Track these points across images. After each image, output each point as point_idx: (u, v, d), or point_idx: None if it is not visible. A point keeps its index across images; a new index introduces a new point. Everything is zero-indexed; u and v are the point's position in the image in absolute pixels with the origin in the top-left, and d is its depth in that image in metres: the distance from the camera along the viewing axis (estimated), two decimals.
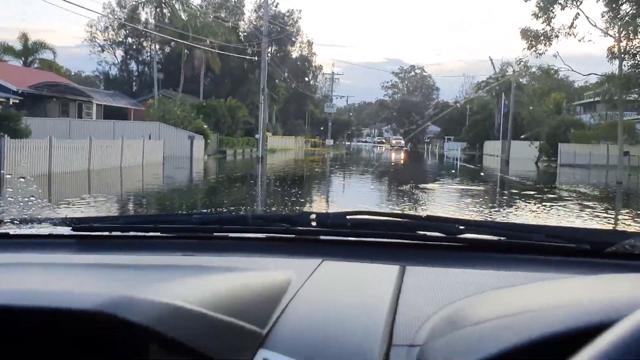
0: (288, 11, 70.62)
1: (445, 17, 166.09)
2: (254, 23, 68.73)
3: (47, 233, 1.72)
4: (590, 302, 0.86)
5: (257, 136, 48.93)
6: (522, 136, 50.12)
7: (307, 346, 0.92)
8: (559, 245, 1.50)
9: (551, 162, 43.50)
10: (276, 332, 0.96)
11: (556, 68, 29.17)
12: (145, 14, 42.21)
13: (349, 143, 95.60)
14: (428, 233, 1.58)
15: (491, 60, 64.27)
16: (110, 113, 45.09)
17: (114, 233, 1.73)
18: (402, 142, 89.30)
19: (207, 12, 43.89)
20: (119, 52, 65.46)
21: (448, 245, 1.55)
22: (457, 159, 53.65)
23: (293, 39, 72.22)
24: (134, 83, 65.27)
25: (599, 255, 1.45)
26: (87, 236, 1.70)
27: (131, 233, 1.72)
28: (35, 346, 0.96)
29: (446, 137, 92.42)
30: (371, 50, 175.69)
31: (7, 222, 1.78)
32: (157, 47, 53.06)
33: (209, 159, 35.13)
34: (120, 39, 64.75)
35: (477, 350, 0.78)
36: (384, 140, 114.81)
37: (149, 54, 67.24)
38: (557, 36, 25.90)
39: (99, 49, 64.39)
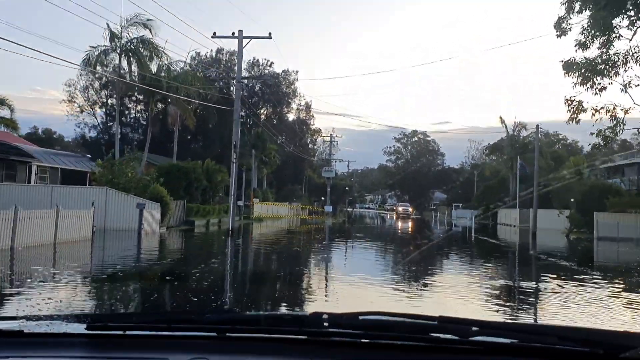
0: (283, 71, 65.02)
1: (447, 83, 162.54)
2: (246, 84, 63.01)
3: (61, 332, 1.67)
4: None
5: (239, 203, 41.85)
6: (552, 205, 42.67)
7: None
8: (571, 349, 1.45)
9: (584, 234, 35.85)
10: None
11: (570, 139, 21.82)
12: (112, 66, 35.65)
13: (350, 210, 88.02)
14: (442, 335, 1.54)
15: (502, 120, 57.35)
16: (70, 177, 38.49)
17: (128, 332, 1.68)
18: (410, 209, 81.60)
19: (187, 68, 37.56)
20: (100, 113, 59.61)
21: (462, 348, 1.51)
22: (470, 230, 45.95)
23: (289, 100, 66.25)
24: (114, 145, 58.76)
25: None
26: (101, 335, 1.66)
27: (144, 332, 1.69)
28: None
29: (454, 205, 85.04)
30: (372, 118, 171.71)
31: (21, 318, 1.75)
32: (120, 100, 46.52)
33: (168, 232, 27.72)
34: (102, 99, 58.97)
35: None
36: (389, 207, 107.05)
37: (133, 114, 61.43)
38: (601, 109, 18.83)
39: (78, 109, 58.53)
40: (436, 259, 20.56)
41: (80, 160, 43.38)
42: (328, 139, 74.69)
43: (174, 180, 33.85)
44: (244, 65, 63.52)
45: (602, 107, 18.04)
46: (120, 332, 1.67)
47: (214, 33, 27.38)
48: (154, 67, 35.87)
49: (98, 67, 34.58)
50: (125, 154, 32.35)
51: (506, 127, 57.95)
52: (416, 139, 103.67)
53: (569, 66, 18.42)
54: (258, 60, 61.14)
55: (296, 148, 69.88)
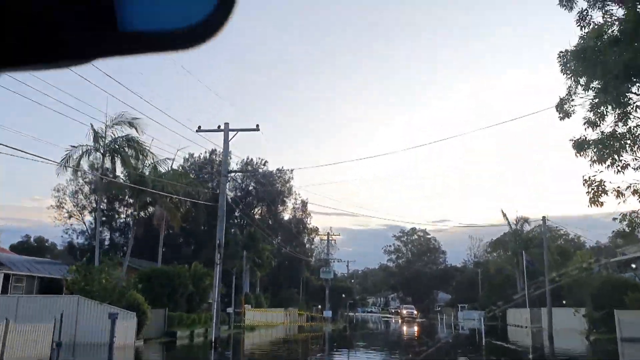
0: (278, 170, 63.87)
1: (445, 177, 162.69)
2: (239, 181, 61.66)
3: None
4: None
5: (229, 310, 38.65)
6: (564, 301, 39.42)
7: None
8: None
9: (604, 334, 32.47)
10: None
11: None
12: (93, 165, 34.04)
13: (352, 314, 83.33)
14: None
15: (504, 214, 55.28)
16: (49, 286, 35.84)
17: None
18: (414, 312, 77.35)
19: (175, 167, 36.11)
20: (90, 219, 57.60)
21: None
22: (480, 334, 42.32)
23: (284, 199, 64.53)
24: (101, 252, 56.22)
25: None
26: None
27: None
28: None
29: (460, 305, 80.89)
30: (370, 218, 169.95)
31: None
32: (109, 204, 44.76)
33: (145, 346, 24.62)
34: (91, 203, 57.22)
35: None
36: (392, 310, 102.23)
37: (123, 218, 59.48)
38: (627, 189, 16.80)
39: (66, 215, 56.60)
40: None
41: (60, 268, 40.68)
42: (325, 237, 72.04)
43: (157, 286, 31.10)
44: (237, 165, 62.70)
45: (628, 187, 15.90)
46: None
47: (199, 127, 25.96)
48: (139, 167, 34.26)
49: (83, 166, 32.84)
50: (104, 258, 29.85)
51: (508, 222, 55.80)
52: (416, 236, 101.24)
53: (580, 145, 16.56)
54: (252, 159, 60.18)
55: (292, 248, 67.20)
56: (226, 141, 25.60)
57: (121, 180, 35.35)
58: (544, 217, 35.12)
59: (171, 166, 35.47)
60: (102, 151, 32.58)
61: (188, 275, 34.73)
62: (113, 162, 34.21)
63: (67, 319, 23.65)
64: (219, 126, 25.97)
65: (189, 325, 30.73)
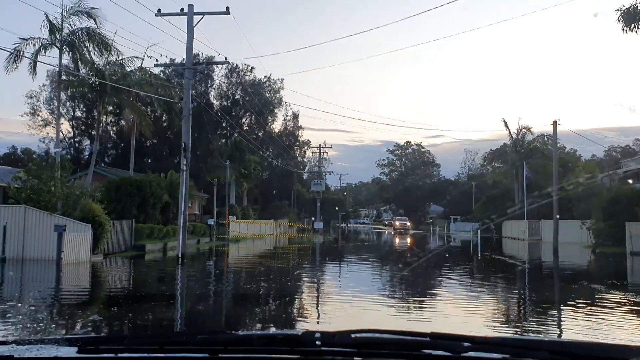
0: (265, 77, 59.10)
1: (440, 95, 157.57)
2: (225, 89, 57.04)
3: (52, 356, 1.61)
4: None
5: (210, 221, 35.61)
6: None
7: None
8: None
9: (611, 248, 29.69)
10: None
11: None
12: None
13: (344, 226, 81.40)
14: (434, 352, 1.51)
15: (505, 123, 51.43)
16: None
17: (119, 355, 1.62)
18: (408, 224, 74.49)
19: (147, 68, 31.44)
20: (66, 127, 53.50)
21: None
22: (476, 246, 39.75)
23: (273, 109, 60.21)
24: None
25: None
26: (93, 358, 1.62)
27: (137, 355, 1.63)
28: None
29: (452, 217, 78.82)
30: (365, 134, 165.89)
31: (11, 343, 1.68)
32: (88, 112, 40.57)
33: (105, 262, 21.46)
34: (68, 111, 52.94)
35: None
36: (386, 222, 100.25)
37: (102, 127, 55.25)
38: None
39: (42, 123, 52.49)
40: (461, 295, 14.36)
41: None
42: (317, 151, 68.50)
43: (125, 196, 27.71)
44: (221, 72, 57.80)
45: None
46: (112, 355, 1.61)
47: (159, 10, 21.44)
48: (103, 64, 29.87)
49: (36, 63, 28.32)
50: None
51: (509, 131, 52.00)
52: (410, 150, 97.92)
53: (630, 16, 12.55)
54: (237, 65, 55.36)
55: (284, 162, 63.86)
56: (190, 26, 21.20)
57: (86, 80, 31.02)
58: (554, 122, 31.33)
59: (141, 64, 31.01)
60: (59, 45, 28.01)
61: (164, 185, 31.30)
62: (75, 60, 29.76)
63: (12, 231, 20.40)
64: (182, 9, 21.51)
65: (161, 238, 27.63)
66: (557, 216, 31.00)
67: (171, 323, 9.94)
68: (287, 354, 1.58)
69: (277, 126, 64.99)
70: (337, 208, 75.77)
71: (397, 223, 73.78)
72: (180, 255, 20.71)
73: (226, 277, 19.84)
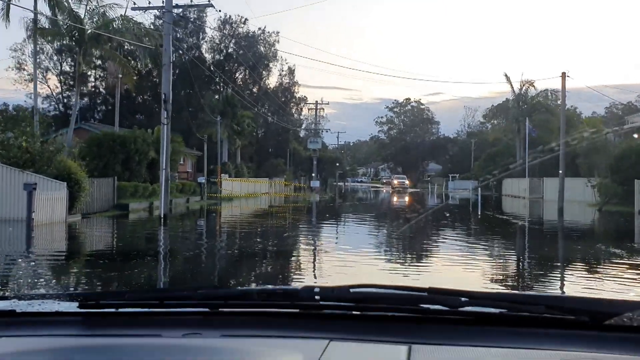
0: (259, 29, 56.53)
1: (441, 49, 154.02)
2: (217, 42, 54.56)
3: (53, 310, 1.63)
4: None
5: (200, 179, 34.08)
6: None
7: None
8: (558, 317, 1.45)
9: (617, 206, 28.31)
10: None
11: None
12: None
13: (341, 184, 79.90)
14: (432, 306, 1.54)
15: (507, 78, 49.34)
16: None
17: (120, 310, 1.64)
18: (406, 182, 72.57)
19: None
20: (54, 82, 51.36)
21: (452, 319, 1.50)
22: (476, 204, 38.39)
23: (267, 63, 57.83)
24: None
25: (597, 328, 1.40)
26: (94, 313, 1.62)
27: (137, 309, 1.65)
28: None
29: (450, 176, 77.41)
30: (365, 93, 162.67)
31: (13, 298, 1.71)
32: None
33: (84, 222, 19.98)
34: (56, 66, 50.70)
35: None
36: (384, 181, 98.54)
37: (92, 82, 53.09)
38: None
39: (28, 77, 50.20)
40: (459, 254, 12.93)
41: None
42: (314, 108, 66.40)
43: (108, 152, 26.08)
44: (214, 24, 55.19)
45: None
46: (113, 310, 1.63)
47: None
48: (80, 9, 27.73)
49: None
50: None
51: (512, 86, 49.99)
52: (409, 107, 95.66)
53: None
54: (230, 17, 52.77)
55: (280, 119, 61.91)
56: None
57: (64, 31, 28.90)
58: (563, 73, 29.44)
59: (124, 13, 28.83)
60: None
61: (150, 141, 29.60)
62: (52, 7, 27.60)
63: None
64: None
65: (147, 196, 26.11)
66: (562, 172, 29.38)
67: (139, 286, 8.59)
68: (286, 308, 1.60)
69: (272, 82, 62.84)
70: (337, 164, 74.17)
71: (395, 181, 71.52)
72: (162, 215, 19.20)
73: (213, 237, 18.41)
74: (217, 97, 46.64)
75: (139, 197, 25.45)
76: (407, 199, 46.94)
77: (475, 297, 1.58)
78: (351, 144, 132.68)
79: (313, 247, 15.13)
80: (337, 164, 75.09)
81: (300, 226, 22.21)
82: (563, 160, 29.61)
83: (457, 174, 76.37)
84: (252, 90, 59.32)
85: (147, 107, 52.76)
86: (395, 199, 47.29)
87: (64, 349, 1.32)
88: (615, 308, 1.46)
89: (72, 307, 1.62)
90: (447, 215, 27.51)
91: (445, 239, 17.38)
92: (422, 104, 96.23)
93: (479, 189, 51.59)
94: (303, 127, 73.48)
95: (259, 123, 59.39)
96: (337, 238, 17.89)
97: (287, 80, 65.33)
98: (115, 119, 33.46)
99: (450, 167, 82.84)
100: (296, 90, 66.50)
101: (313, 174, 59.56)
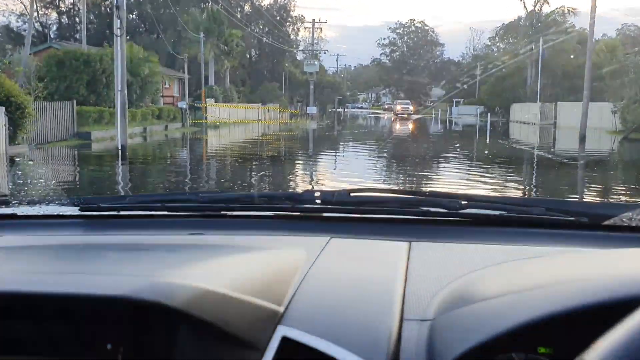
0: None
1: None
2: None
3: (54, 213, 1.61)
4: (599, 278, 0.84)
5: (181, 104, 30.73)
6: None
7: (323, 321, 0.90)
8: (558, 218, 1.45)
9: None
10: (292, 309, 0.94)
11: None
12: None
13: (340, 110, 75.93)
14: (432, 209, 1.53)
15: None
16: None
17: (121, 212, 1.61)
18: (410, 107, 67.00)
19: None
20: None
21: (451, 220, 1.50)
22: (485, 130, 35.13)
23: None
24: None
25: (597, 228, 1.40)
26: (95, 216, 1.60)
27: (139, 212, 1.63)
28: (62, 331, 0.89)
29: (455, 101, 73.54)
30: (367, 14, 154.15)
31: (15, 202, 1.69)
32: None
33: (33, 154, 16.95)
34: None
35: (490, 326, 0.76)
36: (385, 106, 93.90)
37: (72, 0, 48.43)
38: None
39: None
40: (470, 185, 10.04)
41: None
42: (311, 27, 61.60)
43: (71, 73, 22.66)
44: None
45: None
46: (114, 213, 1.60)
47: None
48: None
49: None
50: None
51: (524, 2, 45.28)
52: (413, 28, 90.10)
53: None
54: None
55: (275, 40, 57.43)
56: None
57: None
58: None
59: None
60: None
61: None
62: None
63: None
64: None
65: (114, 123, 22.88)
66: (587, 92, 25.90)
67: None
68: (288, 210, 1.59)
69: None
70: (336, 87, 69.95)
71: (399, 107, 65.33)
72: (120, 148, 16.07)
73: (186, 173, 15.36)
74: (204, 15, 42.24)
75: (105, 124, 22.27)
76: (410, 126, 43.54)
77: (475, 200, 1.58)
78: (352, 68, 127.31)
79: (310, 179, 12.46)
80: (337, 89, 70.89)
81: (295, 158, 19.03)
82: (589, 80, 26.02)
83: (462, 99, 72.61)
84: (243, 7, 54.57)
85: (131, 26, 48.29)
86: (397, 126, 43.82)
87: (65, 245, 1.29)
88: (614, 210, 1.46)
89: (73, 210, 1.59)
90: (453, 142, 24.44)
91: (452, 168, 14.75)
92: (427, 25, 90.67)
93: (488, 114, 48.20)
94: (300, 49, 68.76)
95: (252, 44, 55.11)
96: (334, 169, 15.32)
97: None
98: (82, 35, 29.64)
99: (454, 91, 78.79)
100: (292, 8, 61.53)
101: (309, 99, 55.80)
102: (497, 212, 1.49)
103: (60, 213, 1.60)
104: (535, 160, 18.61)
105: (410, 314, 0.92)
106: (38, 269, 1.02)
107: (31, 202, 1.68)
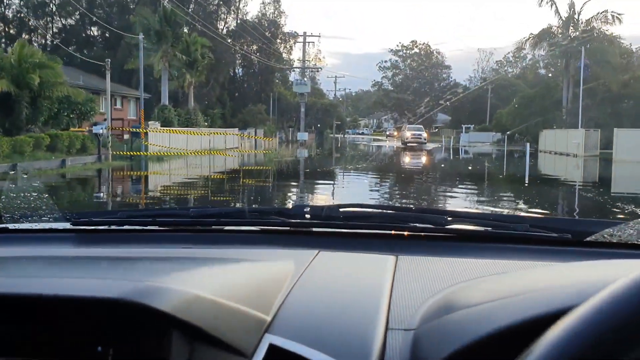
0: None
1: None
2: None
3: (46, 227, 1.61)
4: (568, 285, 0.84)
5: (95, 129, 21.11)
6: None
7: (309, 331, 0.90)
8: (542, 234, 1.46)
9: None
10: (280, 318, 0.94)
11: None
12: None
13: (338, 137, 66.39)
14: (418, 224, 1.55)
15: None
16: None
17: (113, 227, 1.62)
18: (424, 134, 48.00)
19: None
20: None
21: (437, 235, 1.52)
22: (515, 163, 25.58)
23: None
24: None
25: (579, 244, 1.41)
26: (87, 230, 1.60)
27: (130, 227, 1.62)
28: (53, 334, 0.89)
29: (464, 127, 64.29)
30: (369, 42, 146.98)
31: (7, 216, 1.67)
32: None
33: None
34: None
35: (470, 331, 0.77)
36: (389, 132, 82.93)
37: None
38: None
39: None
40: None
41: None
42: (304, 41, 52.72)
43: None
44: None
45: None
46: (106, 227, 1.61)
47: None
48: None
49: None
50: None
51: (556, 6, 36.11)
52: (416, 50, 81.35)
53: None
54: None
55: (264, 56, 48.63)
56: None
57: None
58: None
59: None
60: None
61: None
62: None
63: None
64: None
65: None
66: None
67: None
68: (278, 225, 1.59)
69: (252, 10, 49.09)
70: (333, 108, 60.52)
71: (408, 134, 48.84)
72: None
73: None
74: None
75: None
76: (423, 159, 33.11)
77: (461, 216, 1.59)
78: (353, 94, 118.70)
79: None
80: (335, 113, 61.51)
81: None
82: None
83: (472, 125, 63.55)
84: (225, 20, 45.89)
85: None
86: (407, 159, 33.08)
87: (56, 257, 1.28)
88: (596, 227, 1.47)
89: (65, 225, 1.59)
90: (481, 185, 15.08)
91: None
92: (431, 47, 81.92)
93: (505, 142, 38.92)
94: (294, 66, 59.65)
95: (235, 60, 46.29)
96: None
97: (272, 10, 51.67)
98: None
99: (462, 118, 69.56)
100: (283, 22, 52.83)
101: (299, 123, 46.52)
102: (482, 228, 1.51)
103: (52, 227, 1.59)
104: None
105: (395, 324, 0.92)
106: (27, 274, 1.01)
107: (23, 217, 1.63)
